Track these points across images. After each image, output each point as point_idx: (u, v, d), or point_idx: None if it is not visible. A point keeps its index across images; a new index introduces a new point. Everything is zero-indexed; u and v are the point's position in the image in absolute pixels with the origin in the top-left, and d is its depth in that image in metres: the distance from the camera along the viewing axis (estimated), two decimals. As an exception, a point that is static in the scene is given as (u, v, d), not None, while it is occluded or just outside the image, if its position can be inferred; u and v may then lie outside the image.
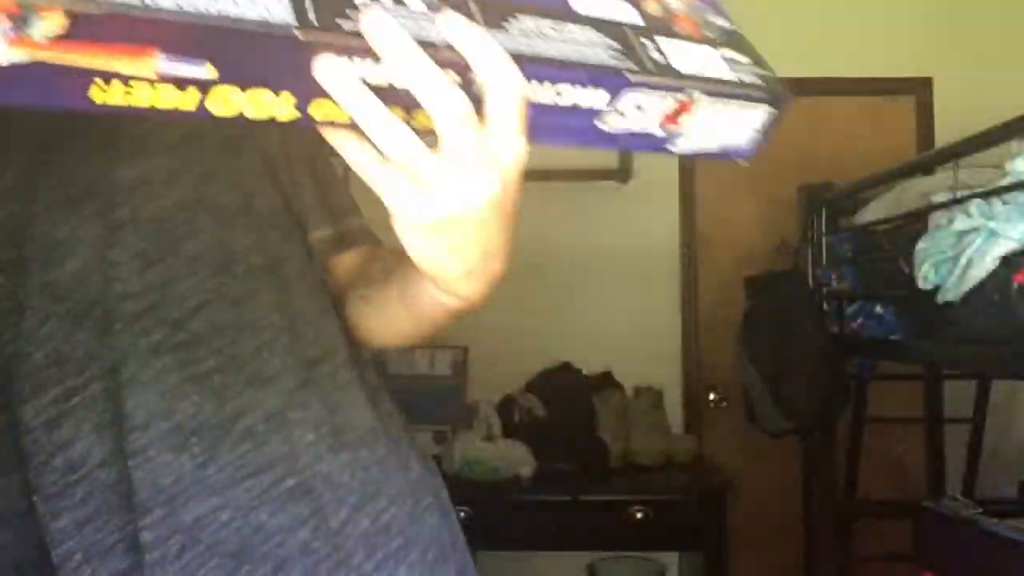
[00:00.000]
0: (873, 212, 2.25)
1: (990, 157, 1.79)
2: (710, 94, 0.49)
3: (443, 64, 0.41)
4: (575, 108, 0.46)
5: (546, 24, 0.46)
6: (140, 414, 0.57)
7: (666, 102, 0.48)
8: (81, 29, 0.34)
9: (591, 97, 0.46)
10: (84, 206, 0.60)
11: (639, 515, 2.49)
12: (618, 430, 2.77)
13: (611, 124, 0.48)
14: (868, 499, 2.87)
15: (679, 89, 0.48)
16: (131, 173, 0.61)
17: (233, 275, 0.63)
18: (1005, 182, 1.66)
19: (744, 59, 0.53)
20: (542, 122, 0.45)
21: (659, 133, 0.50)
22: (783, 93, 0.52)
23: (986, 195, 1.69)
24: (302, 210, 0.70)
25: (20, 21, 0.33)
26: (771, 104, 0.52)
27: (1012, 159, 1.67)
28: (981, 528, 1.82)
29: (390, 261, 0.67)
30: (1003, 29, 3.20)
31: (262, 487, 0.59)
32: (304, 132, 0.43)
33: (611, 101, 0.46)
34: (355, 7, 0.40)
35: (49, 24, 0.34)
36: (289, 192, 0.69)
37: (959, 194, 1.77)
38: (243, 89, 0.39)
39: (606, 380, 2.95)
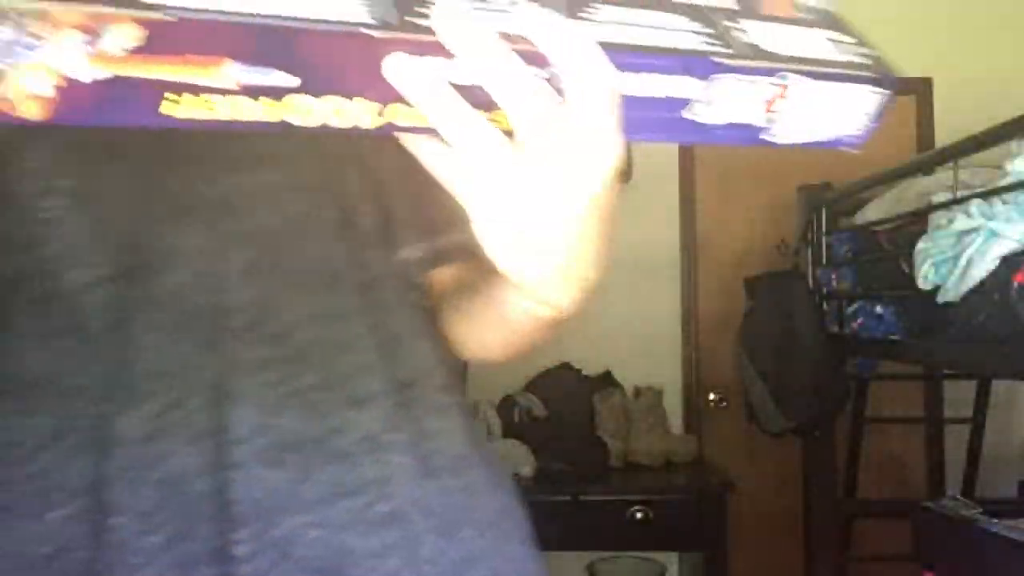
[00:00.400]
0: (873, 212, 2.25)
1: (990, 157, 1.79)
2: (811, 76, 0.45)
3: (523, 59, 0.39)
4: (665, 99, 0.43)
5: (628, 12, 0.43)
6: (240, 427, 0.56)
7: (763, 88, 0.45)
8: (156, 40, 0.34)
9: (681, 86, 0.43)
10: (193, 217, 0.59)
11: (639, 515, 2.49)
12: (618, 430, 2.77)
13: (703, 115, 0.45)
14: (868, 499, 2.87)
15: (776, 72, 0.45)
16: (240, 186, 0.60)
17: (335, 292, 0.62)
18: (1005, 182, 1.66)
19: (847, 39, 0.49)
20: (629, 116, 0.42)
21: (757, 122, 0.46)
22: (892, 73, 0.49)
23: (986, 195, 1.69)
24: (398, 225, 0.68)
25: (96, 36, 0.34)
26: (881, 85, 0.48)
27: (1012, 159, 1.67)
28: (981, 528, 1.82)
29: (484, 268, 0.66)
30: (1003, 29, 3.20)
31: (354, 509, 0.58)
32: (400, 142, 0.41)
33: (703, 89, 0.43)
34: (429, 2, 0.38)
35: (125, 36, 0.34)
36: (388, 207, 0.67)
37: (959, 194, 1.77)
38: (317, 96, 0.38)
39: (606, 380, 2.95)
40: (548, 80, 0.40)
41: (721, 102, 0.44)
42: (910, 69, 3.19)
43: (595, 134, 0.41)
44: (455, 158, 0.42)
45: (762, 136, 0.47)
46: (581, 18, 0.42)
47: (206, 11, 0.35)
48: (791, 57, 0.45)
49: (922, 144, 3.15)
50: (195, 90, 0.36)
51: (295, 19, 0.36)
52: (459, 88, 0.39)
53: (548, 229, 0.44)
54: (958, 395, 2.87)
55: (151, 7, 0.34)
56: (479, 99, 0.40)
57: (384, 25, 0.37)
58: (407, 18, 0.38)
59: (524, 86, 0.38)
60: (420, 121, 0.40)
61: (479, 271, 0.64)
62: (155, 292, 0.57)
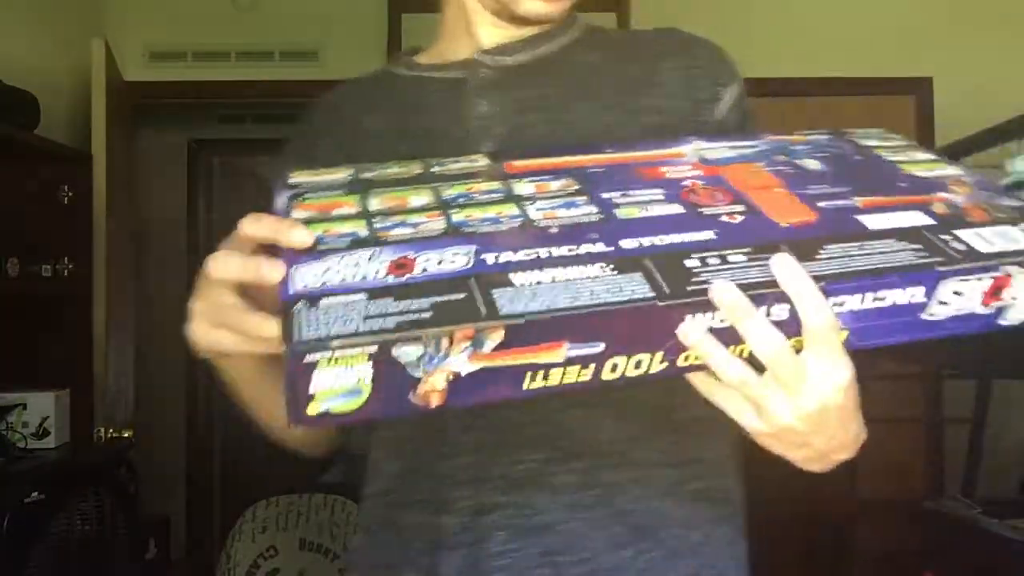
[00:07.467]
0: (873, 212, 2.24)
1: (990, 157, 1.79)
2: None
3: (764, 298, 0.51)
4: (897, 307, 0.53)
5: (851, 246, 0.54)
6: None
7: (982, 282, 0.54)
8: (513, 338, 0.47)
9: (909, 295, 0.53)
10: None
11: None
12: (618, 430, 2.76)
13: (935, 313, 0.54)
14: (868, 499, 2.87)
15: (992, 268, 0.54)
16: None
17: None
18: (1005, 182, 1.66)
19: None
20: (872, 325, 0.53)
21: (984, 311, 0.56)
22: None
23: (986, 195, 1.69)
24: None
25: (477, 342, 0.47)
26: None
27: (1012, 159, 1.67)
28: (981, 528, 1.82)
29: None
30: (1003, 29, 3.20)
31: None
32: None
33: (929, 293, 0.53)
34: (695, 276, 0.51)
35: (493, 339, 0.47)
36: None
37: (959, 194, 1.77)
38: (628, 356, 0.50)
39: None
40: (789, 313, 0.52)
41: (950, 300, 0.54)
42: (910, 69, 3.19)
43: (824, 363, 0.53)
44: (721, 383, 0.55)
45: (996, 321, 0.57)
46: (815, 258, 0.53)
47: (546, 311, 0.47)
48: (1002, 252, 0.55)
49: (922, 144, 3.14)
50: (540, 367, 0.49)
51: (604, 304, 0.48)
52: (716, 330, 0.52)
53: (796, 431, 0.56)
54: (958, 395, 2.87)
55: (513, 316, 0.47)
56: (729, 337, 0.52)
57: (666, 297, 0.50)
58: (684, 288, 0.50)
59: (767, 334, 0.52)
60: (694, 361, 0.52)
61: None
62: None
